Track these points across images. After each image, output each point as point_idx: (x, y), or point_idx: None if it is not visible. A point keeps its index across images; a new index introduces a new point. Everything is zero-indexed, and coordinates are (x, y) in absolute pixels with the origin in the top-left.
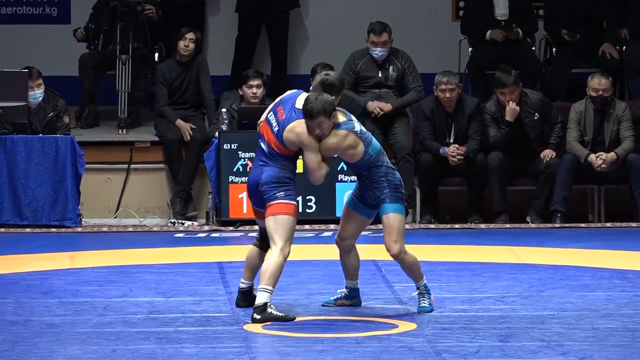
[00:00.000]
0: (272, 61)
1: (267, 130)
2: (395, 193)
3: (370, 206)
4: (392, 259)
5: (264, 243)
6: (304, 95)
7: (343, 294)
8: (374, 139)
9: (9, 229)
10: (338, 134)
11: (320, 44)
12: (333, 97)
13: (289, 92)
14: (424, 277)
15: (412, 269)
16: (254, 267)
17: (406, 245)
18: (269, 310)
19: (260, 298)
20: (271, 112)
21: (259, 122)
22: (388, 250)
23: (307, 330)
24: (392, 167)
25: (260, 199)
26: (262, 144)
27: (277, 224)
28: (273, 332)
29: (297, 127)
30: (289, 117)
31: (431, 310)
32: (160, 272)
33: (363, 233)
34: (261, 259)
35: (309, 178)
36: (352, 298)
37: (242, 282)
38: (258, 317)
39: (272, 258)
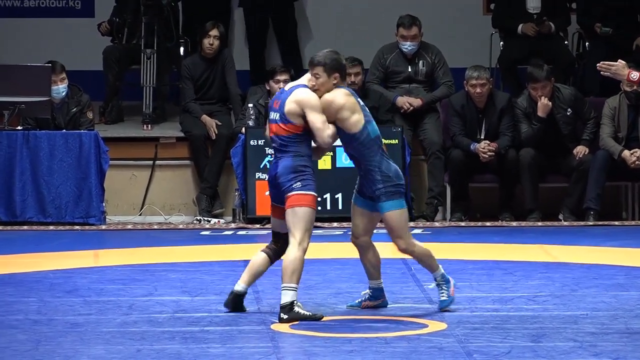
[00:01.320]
0: (281, 55)
1: (271, 127)
2: (390, 187)
3: (370, 199)
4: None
5: (274, 249)
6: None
7: (367, 296)
8: (374, 123)
9: (32, 226)
10: (337, 90)
11: (328, 37)
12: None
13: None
14: (440, 266)
15: (424, 260)
16: (256, 274)
17: (427, 243)
18: (296, 309)
19: (286, 297)
20: (270, 112)
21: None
22: (396, 247)
23: (335, 330)
24: (388, 157)
25: (278, 193)
26: (273, 145)
27: (295, 216)
28: (301, 331)
29: (295, 95)
30: (282, 99)
31: (451, 302)
32: (186, 271)
33: None
34: (267, 267)
35: (318, 141)
36: (377, 298)
37: (238, 285)
38: (285, 316)
39: (292, 253)
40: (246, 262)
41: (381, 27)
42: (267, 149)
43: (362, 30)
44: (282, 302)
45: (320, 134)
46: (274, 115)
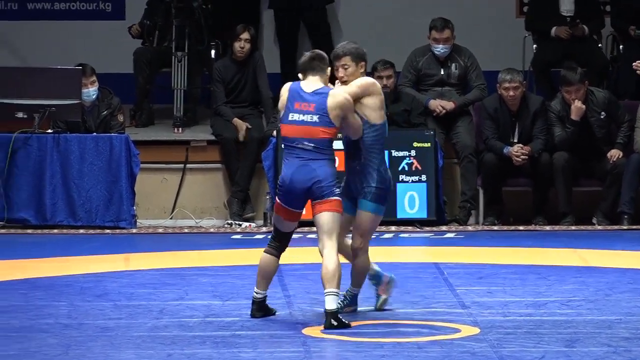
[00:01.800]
0: None
1: (302, 129)
2: (380, 191)
3: (352, 198)
4: (453, 262)
5: (280, 248)
6: (306, 83)
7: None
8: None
9: (63, 230)
10: (365, 78)
11: (367, 40)
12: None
13: (284, 92)
14: (360, 289)
15: (358, 272)
16: (269, 276)
17: (465, 248)
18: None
19: (333, 303)
20: (291, 114)
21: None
22: (352, 242)
23: (367, 334)
24: (387, 165)
25: (305, 198)
26: (300, 145)
27: (335, 221)
28: (332, 336)
29: (336, 101)
30: (316, 101)
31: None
32: (217, 275)
33: (423, 235)
34: (277, 267)
35: (354, 138)
36: (350, 305)
37: (257, 293)
38: (335, 323)
39: (332, 258)
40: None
41: (413, 30)
42: None
43: (394, 33)
44: (329, 308)
45: (360, 132)
46: (304, 117)
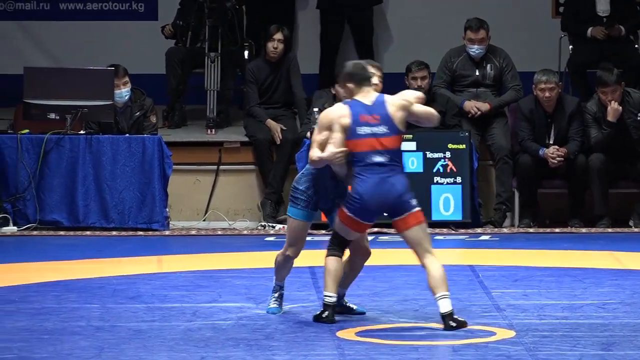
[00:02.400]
0: (358, 59)
1: (375, 142)
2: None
3: (315, 209)
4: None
5: (343, 250)
6: (363, 96)
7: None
8: None
9: (95, 232)
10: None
11: (406, 41)
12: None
13: (338, 110)
14: (283, 280)
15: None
16: (339, 278)
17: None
18: (455, 316)
19: (448, 305)
20: (359, 127)
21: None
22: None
23: (401, 337)
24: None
25: (382, 212)
26: (375, 159)
27: (425, 231)
28: (367, 339)
29: (394, 103)
30: (379, 112)
31: (272, 312)
32: (251, 277)
33: (458, 237)
34: (342, 269)
35: (434, 122)
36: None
37: (330, 296)
38: (454, 324)
39: (436, 265)
40: (311, 268)
41: (448, 31)
42: None
43: (428, 33)
44: (445, 311)
45: (434, 116)
46: (374, 129)
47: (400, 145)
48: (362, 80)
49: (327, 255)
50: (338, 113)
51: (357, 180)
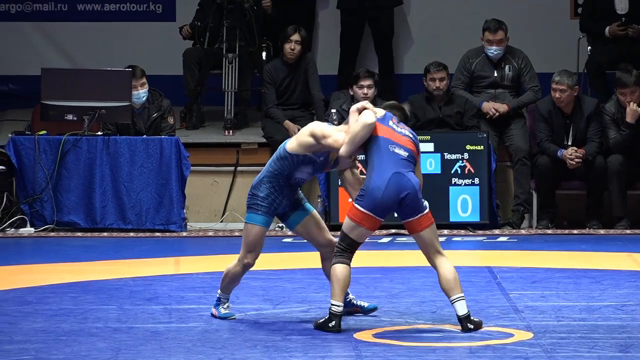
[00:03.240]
0: (378, 60)
1: (402, 138)
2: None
3: (273, 215)
4: (506, 266)
5: (351, 257)
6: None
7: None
8: None
9: (113, 233)
10: None
11: (425, 42)
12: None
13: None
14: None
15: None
16: (347, 287)
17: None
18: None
19: (464, 307)
20: (399, 127)
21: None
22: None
23: (419, 339)
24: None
25: (407, 211)
26: (397, 150)
27: (435, 232)
28: (384, 340)
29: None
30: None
31: (222, 317)
32: (268, 279)
33: (476, 239)
34: (350, 276)
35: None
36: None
37: (338, 305)
38: (471, 326)
39: (448, 267)
40: None
41: (467, 32)
42: None
43: (447, 35)
44: (463, 313)
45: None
46: (405, 132)
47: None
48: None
49: (336, 263)
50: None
51: (374, 172)
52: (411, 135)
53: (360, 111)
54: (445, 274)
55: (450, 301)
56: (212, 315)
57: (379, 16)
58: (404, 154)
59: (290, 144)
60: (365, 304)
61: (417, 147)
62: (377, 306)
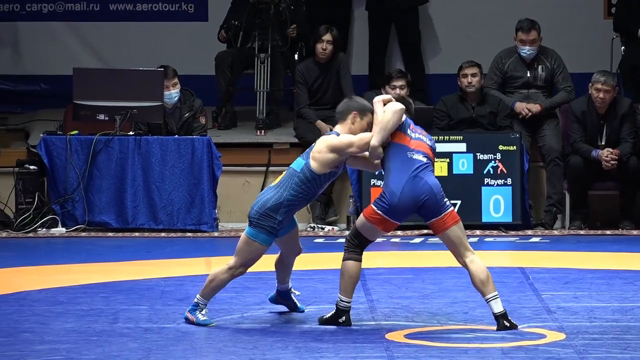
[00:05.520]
0: (405, 60)
1: (420, 144)
2: None
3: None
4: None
5: (362, 253)
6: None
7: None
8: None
9: (144, 233)
10: None
11: (457, 42)
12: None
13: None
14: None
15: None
16: (356, 283)
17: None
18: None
19: (500, 305)
20: (416, 133)
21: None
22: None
23: (451, 340)
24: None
25: (429, 212)
26: (415, 156)
27: (462, 229)
28: (416, 341)
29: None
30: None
31: (199, 324)
32: (300, 279)
33: (509, 239)
34: (360, 273)
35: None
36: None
37: (347, 301)
38: (507, 324)
39: (480, 265)
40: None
41: (500, 31)
42: None
43: (480, 34)
44: (498, 311)
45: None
46: (422, 137)
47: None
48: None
49: (347, 259)
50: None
51: (390, 177)
52: (427, 140)
53: (385, 103)
54: (477, 272)
55: (486, 300)
56: (188, 320)
57: (402, 17)
58: (422, 159)
59: (315, 166)
60: (298, 304)
61: (433, 150)
62: (305, 309)
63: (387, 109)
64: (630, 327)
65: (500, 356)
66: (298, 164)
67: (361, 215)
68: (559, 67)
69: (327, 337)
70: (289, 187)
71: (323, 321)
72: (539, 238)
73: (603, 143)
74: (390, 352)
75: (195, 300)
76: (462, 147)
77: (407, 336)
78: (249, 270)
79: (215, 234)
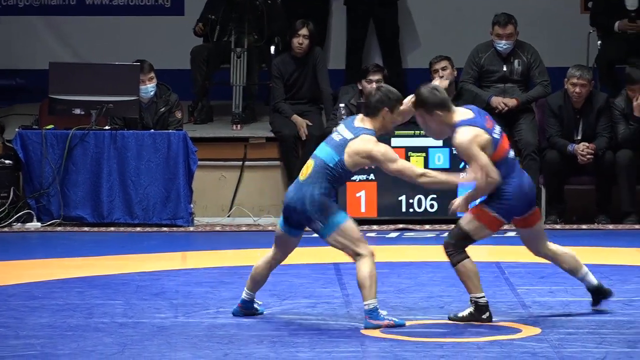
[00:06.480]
0: (383, 55)
1: (505, 139)
2: None
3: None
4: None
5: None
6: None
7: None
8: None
9: (119, 228)
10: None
11: (434, 37)
12: (386, 109)
13: (471, 131)
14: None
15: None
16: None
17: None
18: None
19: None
20: (493, 132)
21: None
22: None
23: (426, 334)
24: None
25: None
26: (511, 153)
27: None
28: (391, 335)
29: None
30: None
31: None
32: (275, 274)
33: None
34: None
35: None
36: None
37: (483, 296)
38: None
39: (566, 250)
40: (336, 264)
41: (476, 26)
42: None
43: (456, 29)
44: (596, 283)
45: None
46: (498, 131)
47: None
48: (449, 102)
49: (460, 260)
50: (474, 133)
51: (507, 182)
52: (499, 129)
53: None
54: (570, 254)
55: (581, 277)
56: (378, 328)
57: (381, 11)
58: (513, 154)
59: (349, 164)
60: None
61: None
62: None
63: (486, 183)
64: (606, 321)
65: (475, 350)
66: (329, 156)
67: (473, 219)
68: (536, 61)
69: (303, 331)
70: (322, 180)
71: (459, 319)
72: (515, 232)
73: (579, 137)
74: (365, 347)
75: (368, 307)
76: (439, 141)
77: (383, 331)
78: (224, 265)
79: (191, 228)
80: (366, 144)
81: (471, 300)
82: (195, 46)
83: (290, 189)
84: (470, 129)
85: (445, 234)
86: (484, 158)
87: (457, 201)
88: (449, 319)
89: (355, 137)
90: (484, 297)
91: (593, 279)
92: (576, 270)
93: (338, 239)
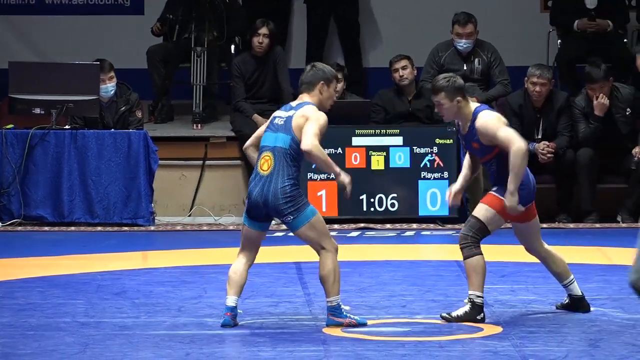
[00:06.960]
0: (345, 53)
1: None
2: None
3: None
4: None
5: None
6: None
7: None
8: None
9: (80, 227)
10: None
11: (394, 35)
12: (322, 82)
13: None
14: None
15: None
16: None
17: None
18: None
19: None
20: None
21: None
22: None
23: (388, 333)
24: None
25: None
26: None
27: None
28: (353, 335)
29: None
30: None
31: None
32: None
33: (445, 233)
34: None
35: None
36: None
37: (482, 296)
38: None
39: (555, 252)
40: (297, 264)
41: (436, 25)
42: None
43: (416, 28)
44: (580, 294)
45: None
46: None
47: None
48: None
49: (475, 254)
50: (498, 114)
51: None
52: None
53: None
54: (563, 258)
55: (567, 283)
56: (343, 326)
57: (342, 9)
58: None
59: (297, 133)
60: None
61: None
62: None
63: (516, 151)
64: (567, 320)
65: (437, 349)
66: (282, 140)
67: (487, 208)
68: (496, 60)
69: (264, 330)
70: (287, 166)
71: (454, 318)
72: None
73: (540, 136)
74: (327, 346)
75: (331, 304)
76: (399, 140)
77: (344, 330)
78: (185, 264)
79: (152, 228)
80: (307, 110)
81: (469, 299)
82: (151, 46)
83: (253, 185)
84: (493, 112)
85: (406, 233)
86: (512, 131)
87: (511, 202)
88: (442, 318)
89: (296, 111)
90: (482, 297)
91: (578, 290)
92: (564, 275)
93: (307, 233)
